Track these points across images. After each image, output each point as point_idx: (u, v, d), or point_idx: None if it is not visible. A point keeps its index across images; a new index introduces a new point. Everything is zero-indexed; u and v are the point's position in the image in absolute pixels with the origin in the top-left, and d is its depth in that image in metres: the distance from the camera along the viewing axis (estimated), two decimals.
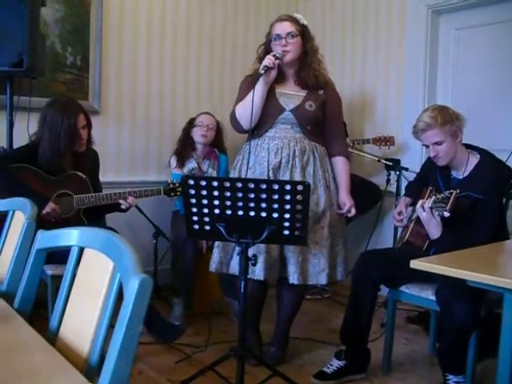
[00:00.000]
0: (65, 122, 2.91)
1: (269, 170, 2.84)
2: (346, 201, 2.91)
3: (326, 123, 2.96)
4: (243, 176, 2.89)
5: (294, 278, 2.81)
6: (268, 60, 2.76)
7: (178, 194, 3.26)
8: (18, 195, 2.14)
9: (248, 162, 2.89)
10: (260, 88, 2.82)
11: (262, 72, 2.75)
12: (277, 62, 2.79)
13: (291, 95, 2.92)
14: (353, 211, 2.92)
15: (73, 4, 3.76)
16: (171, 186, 3.27)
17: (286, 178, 2.81)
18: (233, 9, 4.63)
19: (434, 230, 2.59)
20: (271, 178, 2.82)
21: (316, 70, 2.90)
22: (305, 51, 2.90)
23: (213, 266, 2.95)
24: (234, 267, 2.87)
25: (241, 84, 3.06)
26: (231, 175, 3.07)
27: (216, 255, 2.94)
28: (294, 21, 2.89)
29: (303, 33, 2.89)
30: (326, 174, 2.92)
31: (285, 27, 2.86)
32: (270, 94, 2.89)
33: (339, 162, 2.96)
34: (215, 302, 3.73)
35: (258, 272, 2.77)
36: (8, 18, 2.99)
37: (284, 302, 3.02)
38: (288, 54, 2.85)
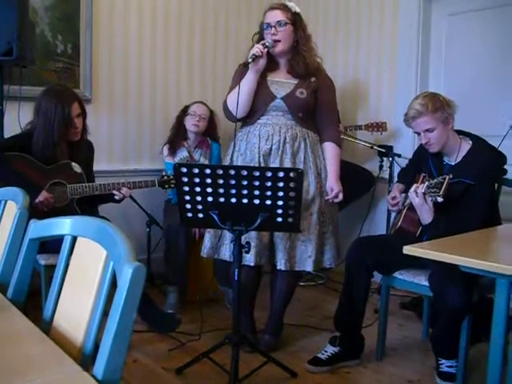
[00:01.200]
0: (58, 110, 2.89)
1: (259, 156, 2.85)
2: (333, 186, 2.89)
3: (317, 110, 2.95)
4: (235, 162, 2.89)
5: (281, 264, 2.83)
6: (256, 49, 2.77)
7: (172, 186, 3.25)
8: (11, 184, 2.12)
9: (239, 149, 2.90)
10: (249, 77, 2.83)
11: (250, 60, 2.76)
12: (265, 50, 2.79)
13: (283, 83, 2.92)
14: (340, 197, 2.91)
15: None
16: (165, 178, 3.26)
17: (276, 164, 2.82)
18: None
19: (426, 216, 2.59)
20: (262, 164, 2.83)
21: (306, 58, 2.88)
22: (296, 40, 2.89)
23: (204, 251, 2.99)
24: (225, 253, 2.90)
25: (234, 73, 3.06)
26: (225, 162, 3.07)
27: (207, 240, 2.98)
28: (285, 9, 2.87)
29: (295, 21, 2.88)
30: (318, 161, 2.92)
31: (275, 16, 2.85)
32: (262, 82, 2.89)
33: (329, 147, 2.96)
34: (209, 289, 3.75)
35: (248, 258, 2.79)
36: None
37: (277, 289, 3.03)
38: (278, 44, 2.84)
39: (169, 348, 2.94)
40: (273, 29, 2.83)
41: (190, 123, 3.80)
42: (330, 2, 4.70)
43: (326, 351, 2.82)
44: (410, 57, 4.13)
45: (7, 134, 3.20)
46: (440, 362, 2.56)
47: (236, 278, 2.43)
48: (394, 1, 4.23)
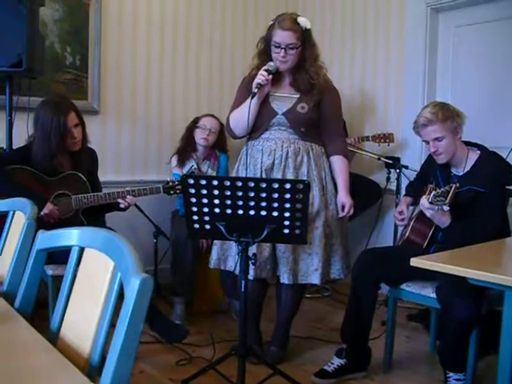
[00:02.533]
0: (54, 120, 2.88)
1: (261, 171, 2.85)
2: (344, 201, 2.87)
3: (322, 122, 2.93)
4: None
5: (284, 278, 2.82)
6: (261, 77, 2.74)
7: (178, 192, 3.23)
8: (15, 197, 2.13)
9: (244, 162, 2.92)
10: (253, 102, 2.79)
11: (255, 91, 2.74)
12: (270, 77, 2.77)
13: (285, 98, 2.89)
14: (351, 211, 2.89)
15: (72, 4, 3.76)
16: (170, 184, 3.24)
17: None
18: (231, 9, 4.62)
19: (444, 219, 2.58)
20: None
21: (313, 78, 2.84)
22: (303, 57, 2.84)
23: (211, 262, 3.00)
24: (231, 264, 2.91)
25: (238, 87, 3.05)
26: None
27: (214, 252, 2.98)
28: (297, 29, 2.76)
29: (304, 39, 2.80)
30: (322, 174, 2.90)
31: (286, 38, 2.75)
32: (264, 99, 2.87)
33: (337, 161, 2.93)
34: (216, 301, 3.74)
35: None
36: (7, 19, 2.99)
37: (283, 302, 3.02)
38: (284, 64, 2.82)
39: (176, 359, 2.93)
40: (282, 51, 2.77)
41: (200, 136, 3.80)
42: (336, 14, 4.73)
43: (332, 363, 2.80)
44: (416, 68, 4.14)
45: (16, 145, 3.23)
46: (448, 375, 2.54)
47: (243, 290, 2.43)
48: (401, 12, 4.25)
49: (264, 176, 2.84)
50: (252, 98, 2.75)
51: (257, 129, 2.91)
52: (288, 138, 2.86)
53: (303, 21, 2.80)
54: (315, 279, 2.84)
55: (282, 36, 2.77)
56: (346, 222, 3.05)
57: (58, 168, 2.99)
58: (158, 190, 3.20)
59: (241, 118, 2.84)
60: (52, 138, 2.88)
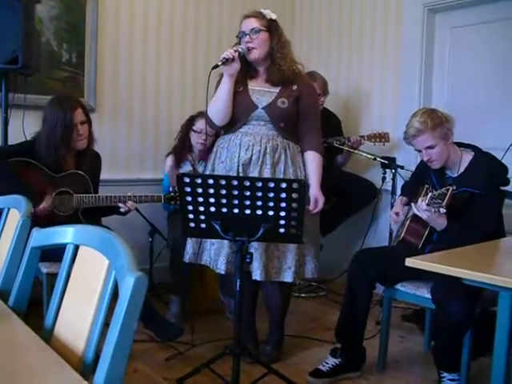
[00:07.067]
0: (60, 115, 2.89)
1: (238, 166, 2.83)
2: (318, 195, 2.85)
3: (299, 117, 2.92)
4: (215, 170, 2.90)
5: (256, 275, 2.80)
6: (227, 52, 2.76)
7: (178, 203, 3.23)
8: (15, 190, 2.14)
9: (220, 155, 2.90)
10: (224, 81, 2.82)
11: (220, 64, 2.74)
12: (236, 54, 2.77)
13: (264, 92, 2.89)
14: (321, 207, 2.88)
15: (68, 1, 3.75)
16: (172, 194, 3.24)
17: (255, 174, 2.80)
18: (228, 6, 4.62)
19: (440, 221, 2.59)
20: (241, 173, 2.82)
21: (281, 65, 2.85)
22: (272, 48, 2.86)
23: (186, 256, 2.99)
24: (206, 259, 2.91)
25: (216, 84, 3.03)
26: (206, 170, 3.05)
27: (189, 246, 2.97)
28: (260, 16, 2.86)
29: (270, 28, 2.86)
30: (298, 172, 2.89)
31: (249, 23, 2.84)
32: (244, 91, 2.88)
33: (310, 156, 2.91)
34: (211, 300, 3.74)
35: (219, 266, 2.81)
36: (3, 15, 2.98)
37: (271, 301, 3.03)
38: (253, 51, 2.83)
39: (171, 359, 2.93)
40: (247, 37, 2.82)
41: (196, 141, 3.71)
42: (333, 12, 4.72)
43: (327, 363, 2.80)
44: (413, 69, 4.14)
45: (11, 142, 3.21)
46: (442, 375, 2.55)
47: (238, 289, 2.43)
48: (398, 12, 4.25)
49: (241, 171, 2.83)
50: (213, 69, 2.75)
51: (235, 122, 2.89)
52: (267, 133, 2.85)
53: (267, 12, 2.89)
54: (288, 277, 2.83)
55: (246, 23, 2.86)
56: (317, 222, 3.03)
57: (62, 165, 3.00)
58: (159, 198, 3.21)
59: (217, 101, 2.83)
60: (57, 131, 2.89)
